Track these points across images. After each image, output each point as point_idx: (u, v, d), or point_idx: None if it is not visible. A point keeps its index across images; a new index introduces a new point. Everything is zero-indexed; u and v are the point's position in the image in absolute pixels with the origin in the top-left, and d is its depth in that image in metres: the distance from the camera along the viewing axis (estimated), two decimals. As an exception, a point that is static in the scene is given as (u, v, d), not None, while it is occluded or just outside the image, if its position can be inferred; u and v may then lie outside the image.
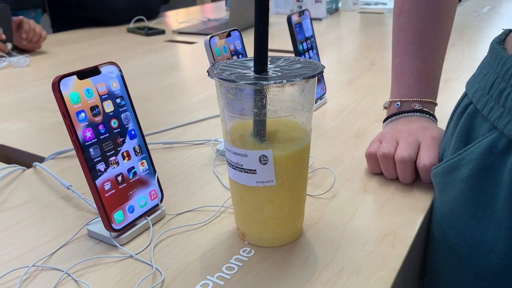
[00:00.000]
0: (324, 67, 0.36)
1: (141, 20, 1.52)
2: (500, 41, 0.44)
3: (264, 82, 0.33)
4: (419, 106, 0.55)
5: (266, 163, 0.36)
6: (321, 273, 0.36)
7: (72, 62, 1.07)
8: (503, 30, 0.46)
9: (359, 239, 0.40)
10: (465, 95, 0.46)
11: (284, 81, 0.33)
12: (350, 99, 0.75)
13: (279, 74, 0.35)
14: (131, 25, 1.46)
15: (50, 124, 0.67)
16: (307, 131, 0.37)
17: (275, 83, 0.33)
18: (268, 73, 0.35)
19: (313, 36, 0.70)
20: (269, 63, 0.37)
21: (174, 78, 0.92)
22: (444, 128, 0.54)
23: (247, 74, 0.35)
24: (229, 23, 1.31)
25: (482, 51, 1.03)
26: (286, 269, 0.37)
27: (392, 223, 0.42)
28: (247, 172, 0.37)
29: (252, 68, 0.36)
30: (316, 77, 0.35)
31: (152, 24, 1.49)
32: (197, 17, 1.65)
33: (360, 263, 0.37)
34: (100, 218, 0.40)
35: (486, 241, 0.40)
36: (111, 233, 0.40)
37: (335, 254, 0.38)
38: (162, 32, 1.38)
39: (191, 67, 1.03)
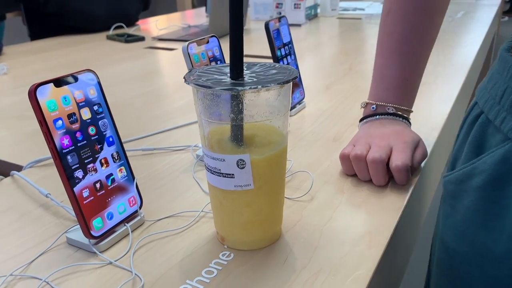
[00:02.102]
0: (298, 73, 0.37)
1: (120, 27, 1.52)
2: (508, 49, 0.43)
3: (240, 88, 0.34)
4: (393, 110, 0.56)
5: (243, 167, 0.36)
6: (299, 274, 0.36)
7: (50, 69, 1.06)
8: (511, 38, 0.45)
9: (336, 240, 0.41)
10: (475, 104, 0.46)
11: (259, 86, 0.34)
12: (328, 103, 0.76)
13: (255, 79, 0.35)
14: (111, 32, 1.46)
15: (29, 133, 0.67)
16: (283, 135, 0.38)
17: (250, 88, 0.34)
18: (244, 78, 0.36)
19: (291, 42, 0.71)
20: (245, 69, 0.38)
21: (154, 84, 0.92)
22: (417, 132, 0.55)
23: (223, 80, 0.36)
24: (209, 29, 1.32)
25: (457, 55, 1.06)
26: (265, 271, 0.37)
27: (368, 224, 0.43)
28: (225, 176, 0.37)
29: (229, 74, 0.37)
30: (291, 83, 0.36)
31: (132, 31, 1.49)
32: (177, 23, 1.66)
33: (337, 263, 0.38)
34: (79, 226, 0.40)
35: (497, 252, 0.40)
36: (90, 240, 0.40)
37: (313, 255, 0.39)
38: (141, 39, 1.37)
39: (171, 74, 1.03)
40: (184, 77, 0.36)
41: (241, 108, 0.35)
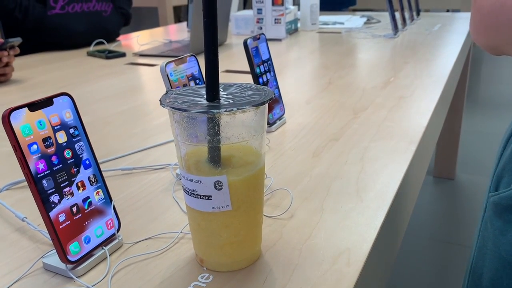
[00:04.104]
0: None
1: (101, 43, 1.51)
2: None
3: (215, 110, 0.34)
4: None
5: (221, 189, 0.36)
6: (279, 295, 0.36)
7: (29, 88, 1.05)
8: None
9: (316, 259, 0.41)
10: None
11: (235, 109, 0.34)
12: (308, 118, 0.77)
13: (231, 101, 0.36)
14: (91, 48, 1.45)
15: (5, 154, 0.66)
16: (260, 155, 0.38)
17: (226, 111, 0.34)
18: (221, 100, 0.36)
19: (269, 59, 0.72)
20: (221, 90, 0.38)
21: (135, 101, 0.92)
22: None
23: (199, 102, 0.36)
24: (190, 45, 1.32)
25: (434, 68, 1.08)
26: (244, 292, 0.37)
27: (346, 241, 0.43)
28: (202, 198, 0.37)
29: (205, 96, 0.37)
30: (266, 104, 0.36)
31: (113, 46, 1.49)
32: (159, 38, 1.66)
33: (316, 282, 0.38)
34: (55, 250, 0.39)
35: None
36: (67, 265, 0.39)
37: (292, 274, 0.39)
38: (123, 55, 1.37)
39: (152, 90, 1.03)
40: (160, 100, 0.36)
41: (217, 130, 0.35)
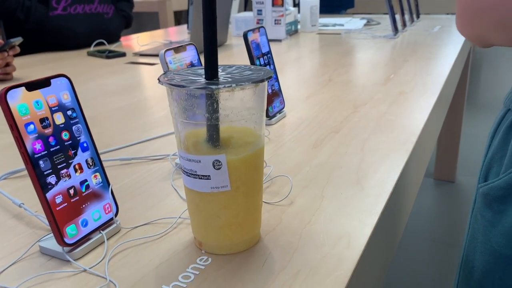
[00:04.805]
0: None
1: (101, 43, 1.51)
2: None
3: (214, 87, 0.34)
4: None
5: (219, 168, 0.36)
6: (278, 276, 0.36)
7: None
8: None
9: (315, 242, 0.40)
10: (507, 111, 0.49)
11: (234, 85, 0.34)
12: (308, 112, 0.77)
13: (230, 79, 0.35)
14: (92, 48, 1.45)
15: (3, 145, 0.65)
16: (259, 136, 0.38)
17: (224, 87, 0.34)
18: (219, 79, 0.36)
19: (269, 52, 0.72)
20: (220, 71, 0.38)
21: (135, 97, 0.92)
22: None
23: (197, 80, 0.36)
24: (190, 45, 1.32)
25: (433, 65, 1.08)
26: (243, 274, 0.36)
27: (347, 226, 0.43)
28: (201, 178, 0.37)
29: (204, 75, 0.37)
30: (266, 82, 0.36)
31: (114, 47, 1.49)
32: (159, 40, 1.66)
33: (316, 265, 0.37)
34: (52, 234, 0.39)
35: None
36: (64, 248, 0.39)
37: (292, 257, 0.38)
38: (123, 54, 1.37)
39: (152, 87, 1.02)
40: (158, 78, 0.36)
41: (215, 107, 0.35)
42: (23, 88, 0.37)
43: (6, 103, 0.36)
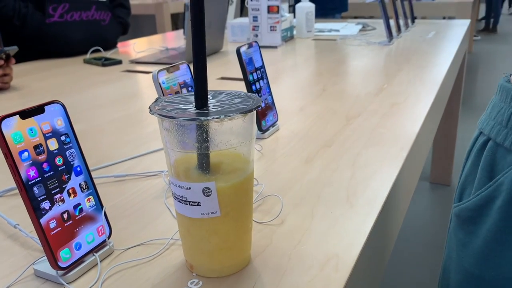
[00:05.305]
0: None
1: (98, 50, 1.52)
2: (508, 81, 0.48)
3: (203, 118, 0.34)
4: None
5: (209, 195, 0.37)
6: (267, 300, 0.37)
7: (25, 95, 1.06)
8: (505, 74, 0.51)
9: (304, 264, 0.41)
10: (479, 134, 0.50)
11: (222, 116, 0.34)
12: (301, 125, 0.77)
13: (219, 109, 0.36)
14: (88, 56, 1.46)
15: (-1, 161, 0.66)
16: (249, 161, 0.39)
17: (213, 118, 0.34)
18: (209, 107, 0.37)
19: (262, 66, 0.73)
20: (211, 98, 0.39)
21: (129, 108, 0.93)
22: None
23: (188, 110, 0.36)
24: (186, 52, 1.33)
25: (427, 74, 1.09)
26: (233, 298, 0.37)
27: (336, 247, 0.44)
28: (191, 204, 0.37)
29: (194, 104, 0.37)
30: (254, 111, 0.37)
31: (110, 54, 1.50)
32: (156, 46, 1.67)
33: (304, 287, 0.38)
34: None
35: None
36: (58, 271, 0.40)
37: (281, 280, 0.39)
38: (119, 62, 1.38)
39: (147, 97, 1.03)
40: (149, 107, 0.37)
41: (205, 137, 0.36)
42: (17, 116, 0.38)
43: (0, 132, 0.36)
